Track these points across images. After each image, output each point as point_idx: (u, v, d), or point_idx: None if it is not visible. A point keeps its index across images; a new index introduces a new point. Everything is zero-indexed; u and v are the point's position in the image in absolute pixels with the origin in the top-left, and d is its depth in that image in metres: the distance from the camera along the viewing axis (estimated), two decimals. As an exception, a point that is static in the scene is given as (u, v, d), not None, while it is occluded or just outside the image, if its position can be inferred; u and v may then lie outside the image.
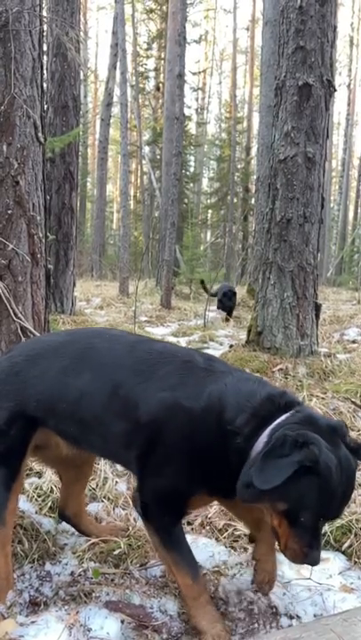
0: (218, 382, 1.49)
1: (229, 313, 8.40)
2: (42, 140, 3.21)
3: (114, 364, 1.61)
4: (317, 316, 4.40)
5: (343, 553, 1.93)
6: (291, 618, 1.61)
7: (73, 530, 2.00)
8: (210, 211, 28.73)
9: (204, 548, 1.87)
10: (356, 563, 1.88)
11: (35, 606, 1.64)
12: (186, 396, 1.48)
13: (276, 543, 1.43)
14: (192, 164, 26.78)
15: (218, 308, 8.59)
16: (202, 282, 9.47)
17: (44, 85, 3.68)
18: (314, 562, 1.35)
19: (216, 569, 1.82)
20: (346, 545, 1.94)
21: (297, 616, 1.61)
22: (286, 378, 3.78)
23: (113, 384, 1.57)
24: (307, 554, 1.33)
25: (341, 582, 1.77)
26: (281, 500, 1.30)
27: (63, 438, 1.68)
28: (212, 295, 8.61)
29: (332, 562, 1.88)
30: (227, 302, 8.36)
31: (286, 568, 1.81)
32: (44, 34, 4.21)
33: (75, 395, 1.60)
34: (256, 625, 1.55)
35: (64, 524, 2.02)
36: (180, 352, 1.65)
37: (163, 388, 1.51)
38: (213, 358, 1.65)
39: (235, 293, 8.48)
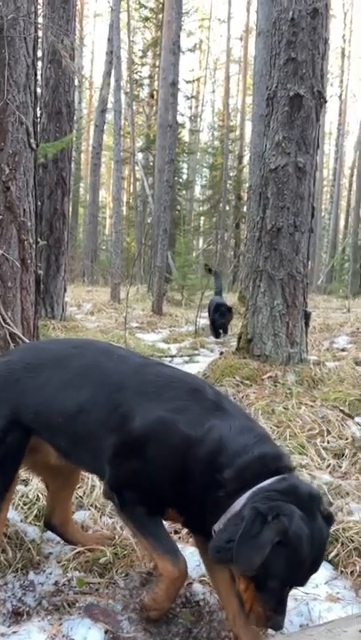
0: (223, 421, 1.47)
1: (224, 331, 7.21)
2: (34, 146, 3.22)
3: (118, 383, 1.59)
4: (307, 324, 4.42)
5: (330, 562, 1.93)
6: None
7: (58, 539, 1.98)
8: (202, 218, 28.85)
9: (191, 557, 1.85)
10: (342, 572, 1.88)
11: (17, 616, 1.62)
12: (186, 421, 1.46)
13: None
14: (185, 171, 26.91)
15: (211, 326, 7.31)
16: (205, 265, 9.91)
17: (38, 91, 3.69)
18: (278, 627, 1.35)
19: (203, 578, 1.81)
20: (332, 554, 1.94)
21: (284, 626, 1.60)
22: (276, 385, 3.79)
23: (114, 403, 1.55)
24: (270, 618, 1.33)
25: (328, 592, 1.77)
26: (253, 569, 1.28)
27: (54, 449, 1.67)
28: (209, 272, 8.76)
29: (318, 571, 1.87)
30: (219, 319, 7.14)
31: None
32: (39, 40, 4.24)
33: (73, 410, 1.58)
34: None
35: (49, 532, 2.00)
36: (190, 379, 1.63)
37: (164, 408, 1.49)
38: (224, 395, 1.65)
39: (230, 309, 7.19)
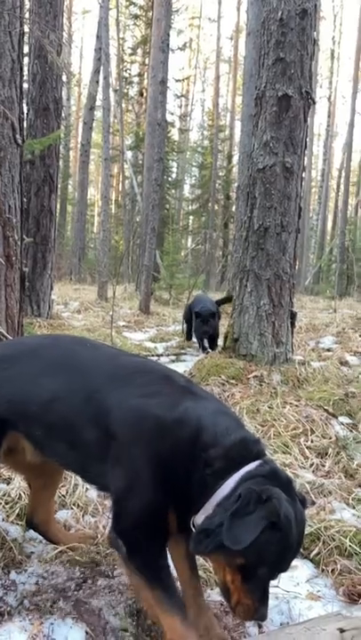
0: (197, 403, 1.47)
1: (211, 343, 5.77)
2: (19, 141, 3.18)
3: (93, 369, 1.59)
4: (293, 324, 4.45)
5: (311, 561, 1.94)
6: (259, 627, 1.61)
7: (41, 538, 1.97)
8: (191, 217, 28.85)
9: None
10: (323, 570, 1.90)
11: (-3, 616, 1.60)
12: (157, 404, 1.45)
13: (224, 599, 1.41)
14: (174, 170, 26.88)
15: (196, 336, 5.96)
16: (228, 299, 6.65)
17: (25, 87, 3.65)
18: (264, 617, 1.35)
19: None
20: (314, 552, 1.95)
21: (264, 624, 1.61)
22: (261, 385, 3.81)
23: (89, 389, 1.55)
24: (258, 609, 1.32)
25: (308, 590, 1.78)
26: (240, 556, 1.27)
27: (30, 443, 1.65)
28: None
29: (300, 569, 1.89)
30: (201, 328, 5.67)
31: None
32: (26, 35, 4.19)
33: (47, 396, 1.57)
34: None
35: (32, 531, 1.98)
36: (161, 367, 1.65)
37: (137, 394, 1.49)
38: (194, 383, 1.66)
39: (214, 314, 5.77)
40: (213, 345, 5.73)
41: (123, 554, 1.41)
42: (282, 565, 1.34)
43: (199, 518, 1.35)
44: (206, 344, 5.82)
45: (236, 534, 1.23)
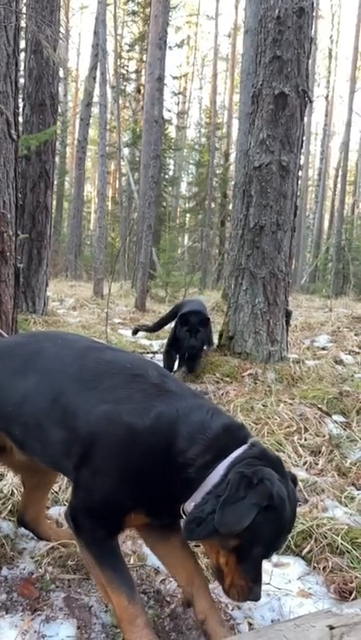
0: (169, 405, 1.41)
1: (191, 363, 4.16)
2: (15, 136, 3.17)
3: (59, 369, 1.55)
4: (288, 323, 4.45)
5: (303, 558, 1.95)
6: (250, 624, 1.61)
7: (32, 535, 1.97)
8: (188, 215, 28.83)
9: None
10: (315, 568, 1.90)
11: (-12, 612, 1.60)
12: (128, 411, 1.40)
13: (217, 582, 1.41)
14: (171, 167, 26.83)
15: (167, 354, 4.38)
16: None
17: (21, 82, 3.63)
18: (258, 597, 1.35)
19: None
20: (306, 550, 1.96)
21: (255, 621, 1.62)
22: (256, 383, 3.81)
23: (54, 390, 1.51)
24: (252, 589, 1.32)
25: (300, 587, 1.78)
26: (234, 538, 1.27)
27: (13, 442, 1.65)
28: (149, 330, 5.33)
29: (291, 567, 1.89)
30: (188, 343, 4.06)
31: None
32: (22, 30, 4.17)
33: (19, 398, 1.56)
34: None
35: (24, 528, 1.98)
36: (132, 364, 1.56)
37: (105, 400, 1.43)
38: (168, 375, 1.58)
39: (203, 320, 4.17)
40: (195, 364, 4.17)
41: (74, 530, 1.44)
42: (276, 544, 1.34)
43: (188, 506, 1.35)
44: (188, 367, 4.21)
45: (228, 521, 1.23)
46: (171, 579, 1.76)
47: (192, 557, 1.56)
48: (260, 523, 1.24)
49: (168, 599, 1.70)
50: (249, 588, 1.32)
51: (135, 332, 5.47)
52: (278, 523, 1.29)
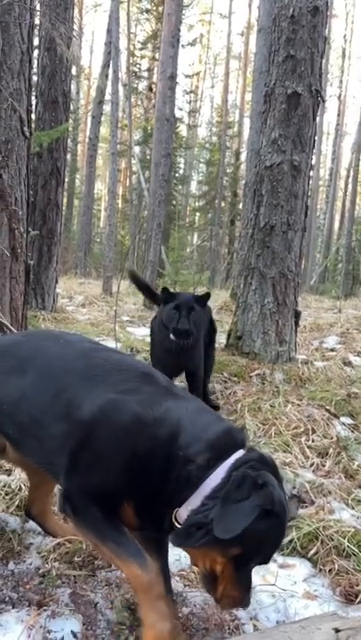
0: (178, 403, 1.42)
1: (193, 382, 3.28)
2: (27, 134, 3.18)
3: (62, 367, 1.53)
4: (297, 323, 4.44)
5: (309, 560, 1.94)
6: (255, 625, 1.61)
7: (39, 529, 1.98)
8: (197, 213, 28.80)
9: (170, 551, 1.86)
10: (321, 570, 1.89)
11: (-5, 606, 1.62)
12: (139, 400, 1.38)
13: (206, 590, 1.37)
14: (182, 166, 26.83)
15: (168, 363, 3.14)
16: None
17: (34, 79, 3.64)
18: (248, 604, 1.34)
19: (182, 572, 1.81)
20: (312, 552, 1.95)
21: (260, 622, 1.61)
22: (263, 383, 3.80)
23: (57, 387, 1.49)
24: (243, 599, 1.30)
25: (305, 589, 1.78)
26: (237, 546, 1.21)
27: (8, 441, 1.64)
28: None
29: (297, 568, 1.89)
30: (176, 324, 2.96)
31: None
32: (36, 27, 4.18)
33: (16, 395, 1.55)
34: (220, 634, 1.54)
35: (31, 523, 1.99)
36: (140, 364, 1.57)
37: (114, 390, 1.42)
38: (174, 385, 1.59)
39: (201, 298, 3.16)
40: (196, 383, 3.21)
41: (71, 514, 1.40)
42: (272, 552, 1.32)
43: (183, 512, 1.30)
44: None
45: (228, 521, 1.18)
46: (177, 577, 1.76)
47: (165, 563, 1.54)
48: (262, 529, 1.21)
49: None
50: (241, 597, 1.29)
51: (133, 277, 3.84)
52: (278, 530, 1.27)
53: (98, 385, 1.44)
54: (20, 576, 1.75)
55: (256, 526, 1.19)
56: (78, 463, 1.40)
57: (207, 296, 3.21)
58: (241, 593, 1.29)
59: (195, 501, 1.27)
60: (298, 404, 3.38)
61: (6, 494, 2.15)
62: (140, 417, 1.36)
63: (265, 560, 1.32)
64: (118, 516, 1.37)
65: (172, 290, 3.56)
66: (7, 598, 1.64)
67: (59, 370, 1.53)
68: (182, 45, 19.07)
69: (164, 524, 1.36)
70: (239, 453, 1.33)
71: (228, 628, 1.55)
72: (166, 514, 1.34)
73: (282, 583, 1.78)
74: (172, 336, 3.03)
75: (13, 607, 1.59)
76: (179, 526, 1.30)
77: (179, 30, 10.42)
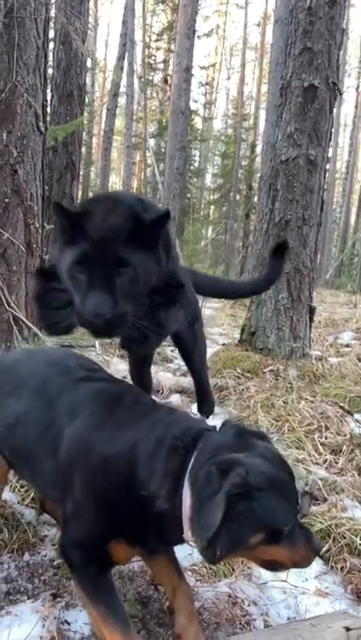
0: (137, 430, 1.37)
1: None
2: (42, 129, 3.20)
3: (53, 396, 1.52)
4: (311, 319, 4.41)
5: (321, 557, 1.95)
6: (265, 621, 1.62)
7: (54, 522, 2.01)
8: (212, 207, 28.64)
9: (183, 547, 1.88)
10: (332, 567, 1.90)
11: (11, 596, 1.65)
12: (100, 438, 1.38)
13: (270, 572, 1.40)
14: (197, 158, 26.68)
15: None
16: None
17: (49, 72, 3.65)
18: (320, 548, 1.31)
19: (194, 567, 1.83)
20: (324, 549, 1.95)
21: (271, 618, 1.63)
22: (277, 379, 3.79)
23: (47, 419, 1.49)
24: (313, 548, 1.26)
25: (316, 586, 1.78)
26: (255, 534, 1.18)
27: (6, 462, 1.68)
28: None
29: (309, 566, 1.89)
30: (86, 305, 1.38)
31: (263, 569, 1.82)
32: (51, 21, 4.18)
33: (12, 420, 1.56)
34: (231, 629, 1.56)
35: (46, 515, 2.03)
36: (111, 387, 1.55)
37: (85, 425, 1.41)
38: (142, 398, 1.54)
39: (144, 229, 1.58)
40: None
41: (68, 565, 1.41)
42: (293, 505, 1.25)
43: (187, 535, 1.27)
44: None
45: (206, 519, 1.14)
46: (189, 571, 1.78)
47: (178, 572, 1.54)
48: (257, 506, 1.15)
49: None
50: (307, 551, 1.25)
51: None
52: (274, 494, 1.19)
53: (75, 419, 1.44)
54: (35, 567, 1.78)
55: (245, 508, 1.14)
56: (66, 510, 1.42)
57: (165, 217, 1.51)
58: (305, 548, 1.24)
59: (186, 525, 1.25)
60: (311, 401, 3.37)
61: (21, 487, 2.19)
62: (100, 458, 1.34)
63: (291, 517, 1.24)
64: (111, 560, 1.37)
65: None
66: (22, 589, 1.67)
67: (50, 399, 1.52)
68: (198, 37, 18.89)
69: (167, 541, 1.36)
70: (192, 459, 1.27)
71: (240, 623, 1.57)
72: (166, 532, 1.31)
73: (293, 580, 1.79)
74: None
75: (29, 598, 1.63)
76: (192, 544, 1.29)
77: (194, 21, 10.33)
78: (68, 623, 1.53)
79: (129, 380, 2.41)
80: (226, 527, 1.13)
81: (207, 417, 2.56)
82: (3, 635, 1.44)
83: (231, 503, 1.12)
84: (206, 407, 2.57)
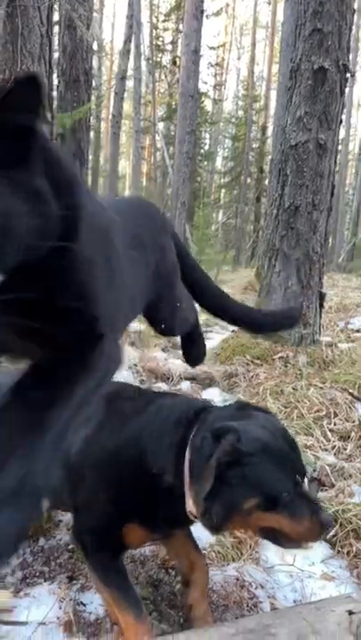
0: (139, 419, 1.44)
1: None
2: (49, 118, 3.20)
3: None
4: (321, 305, 4.40)
5: (327, 541, 1.99)
6: (272, 604, 1.67)
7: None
8: (223, 190, 28.37)
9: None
10: (339, 552, 1.94)
11: (28, 580, 1.72)
12: (107, 432, 1.41)
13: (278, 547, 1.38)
14: (207, 141, 26.38)
15: None
16: None
17: (55, 57, 3.63)
18: (329, 522, 1.26)
19: (203, 551, 1.88)
20: (330, 534, 1.99)
21: (278, 601, 1.67)
22: (286, 366, 3.81)
23: None
24: (320, 520, 1.25)
25: (323, 570, 1.83)
26: (247, 498, 1.20)
27: None
28: None
29: (315, 550, 1.93)
30: None
31: (271, 553, 1.87)
32: (56, 5, 4.14)
33: None
34: (239, 611, 1.61)
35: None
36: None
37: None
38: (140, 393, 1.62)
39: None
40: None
41: (83, 554, 1.48)
42: (291, 469, 1.26)
43: (189, 505, 1.32)
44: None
45: (201, 484, 1.19)
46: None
47: (195, 548, 1.60)
48: (251, 471, 1.18)
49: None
50: (313, 523, 1.23)
51: None
52: (268, 457, 1.21)
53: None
54: (51, 551, 1.85)
55: (236, 473, 1.17)
56: (77, 499, 1.48)
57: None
58: (310, 518, 1.23)
59: (188, 495, 1.30)
60: (321, 387, 3.39)
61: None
62: (111, 451, 1.41)
63: (290, 482, 1.24)
64: (124, 544, 1.44)
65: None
66: (39, 572, 1.74)
67: None
68: (207, 16, 18.53)
69: (179, 521, 1.41)
70: (192, 434, 1.32)
71: (247, 606, 1.62)
72: (176, 510, 1.35)
73: (300, 564, 1.84)
74: None
75: (45, 580, 1.69)
76: (194, 519, 1.34)
77: (202, 2, 10.12)
78: (84, 605, 1.59)
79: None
80: (219, 492, 1.17)
81: (196, 365, 2.13)
82: (22, 616, 1.51)
83: (222, 468, 1.16)
84: (195, 352, 1.95)
